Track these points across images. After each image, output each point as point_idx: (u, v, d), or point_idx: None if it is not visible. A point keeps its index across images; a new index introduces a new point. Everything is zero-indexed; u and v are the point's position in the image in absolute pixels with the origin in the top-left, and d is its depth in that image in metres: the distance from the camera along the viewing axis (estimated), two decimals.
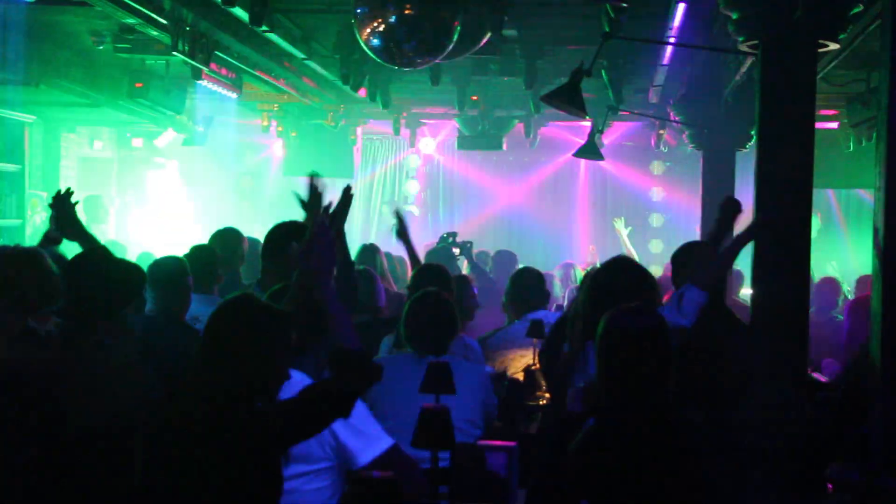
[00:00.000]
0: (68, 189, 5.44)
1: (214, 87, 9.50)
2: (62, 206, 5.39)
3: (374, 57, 6.35)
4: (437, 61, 6.67)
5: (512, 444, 5.00)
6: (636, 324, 3.62)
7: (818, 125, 5.37)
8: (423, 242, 11.14)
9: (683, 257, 5.56)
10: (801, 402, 5.00)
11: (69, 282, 4.27)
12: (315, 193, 4.92)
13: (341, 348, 3.57)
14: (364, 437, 3.84)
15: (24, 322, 4.28)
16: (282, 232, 5.03)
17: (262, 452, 3.24)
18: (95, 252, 4.61)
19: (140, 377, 4.15)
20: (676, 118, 10.20)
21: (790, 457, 4.66)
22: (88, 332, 4.12)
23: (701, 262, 5.34)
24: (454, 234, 10.21)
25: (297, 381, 3.70)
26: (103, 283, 4.23)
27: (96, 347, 4.08)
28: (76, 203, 5.43)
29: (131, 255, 10.51)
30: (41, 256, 4.45)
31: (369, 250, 7.87)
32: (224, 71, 9.28)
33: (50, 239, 5.59)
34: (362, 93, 10.07)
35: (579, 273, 11.68)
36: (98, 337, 4.14)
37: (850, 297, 9.71)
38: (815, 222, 11.85)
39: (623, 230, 12.85)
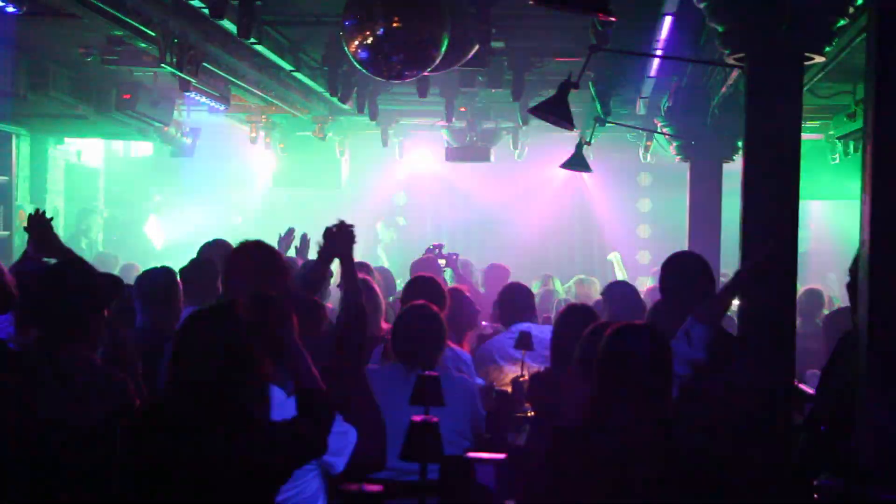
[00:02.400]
0: (43, 212, 5.43)
1: (202, 100, 9.49)
2: (39, 228, 5.35)
3: (361, 69, 6.36)
4: (424, 73, 6.69)
5: (500, 456, 5.01)
6: (637, 343, 3.64)
7: (804, 136, 5.38)
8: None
9: (673, 267, 5.55)
10: (788, 414, 5.01)
11: (41, 294, 4.27)
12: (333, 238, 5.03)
13: (308, 390, 3.55)
14: (337, 453, 3.97)
15: None
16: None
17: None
18: (66, 265, 4.59)
19: (115, 384, 4.14)
20: (664, 130, 10.23)
21: (777, 468, 4.68)
22: (62, 343, 4.12)
23: (691, 273, 5.35)
24: (441, 246, 10.22)
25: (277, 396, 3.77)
26: (72, 294, 4.22)
27: (70, 357, 4.07)
28: (51, 220, 5.41)
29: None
30: None
31: (361, 269, 7.86)
32: (212, 83, 9.27)
33: (29, 259, 5.58)
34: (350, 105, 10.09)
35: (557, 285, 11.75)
36: (72, 347, 4.14)
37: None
38: (806, 237, 11.92)
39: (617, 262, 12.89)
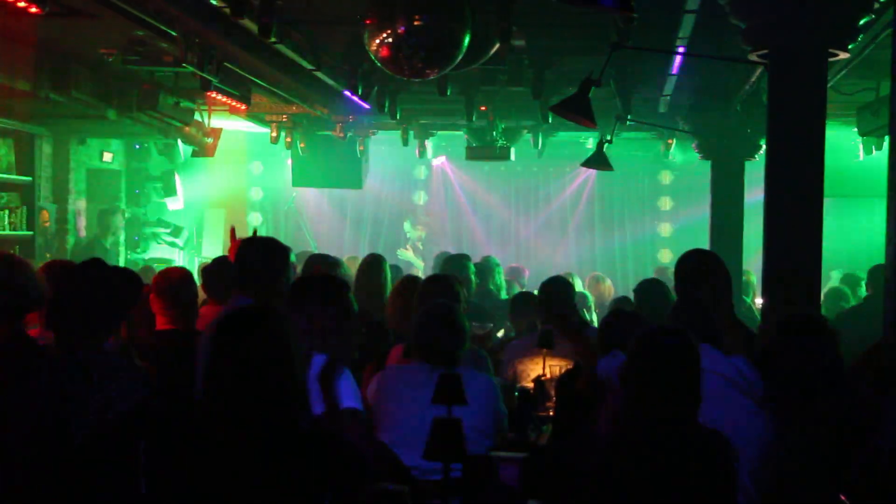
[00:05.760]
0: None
1: (223, 99, 9.51)
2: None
3: (382, 68, 6.35)
4: (445, 72, 6.68)
5: (523, 454, 4.99)
6: (669, 343, 3.63)
7: (827, 133, 5.35)
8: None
9: (687, 266, 5.49)
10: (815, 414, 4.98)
11: (66, 294, 4.27)
12: None
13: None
14: None
15: (11, 327, 4.28)
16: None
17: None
18: (89, 265, 4.59)
19: (136, 379, 4.15)
20: (685, 128, 10.19)
21: (803, 468, 4.64)
22: (83, 340, 4.12)
23: (705, 271, 5.30)
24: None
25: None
26: (97, 295, 4.22)
27: (90, 354, 4.08)
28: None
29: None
30: (27, 263, 4.47)
31: (376, 261, 7.85)
32: (233, 82, 9.29)
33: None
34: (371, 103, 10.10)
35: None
36: (92, 344, 4.15)
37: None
38: (835, 277, 11.91)
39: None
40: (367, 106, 9.65)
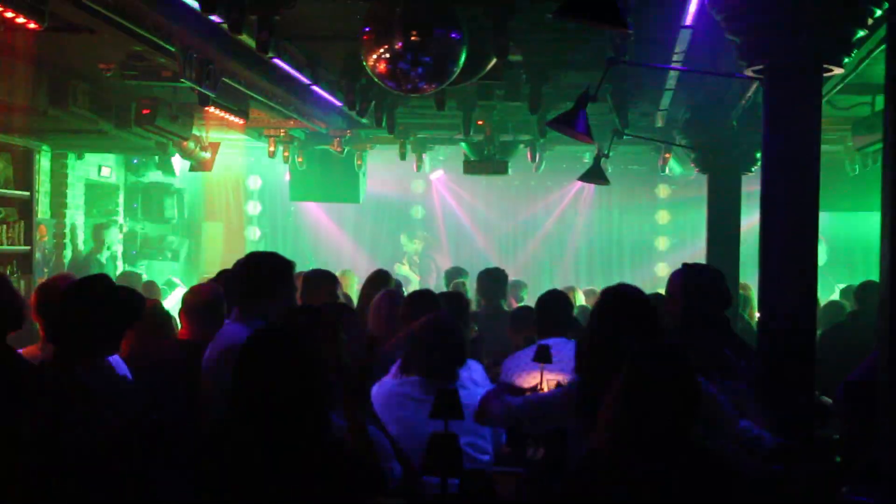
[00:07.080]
0: None
1: (221, 114, 9.53)
2: None
3: (379, 83, 6.38)
4: (442, 87, 6.70)
5: (520, 469, 4.99)
6: (665, 364, 3.62)
7: (823, 148, 5.36)
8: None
9: (684, 280, 5.50)
10: (811, 425, 4.99)
11: (68, 309, 4.28)
12: None
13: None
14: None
15: None
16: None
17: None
18: (93, 280, 4.60)
19: (134, 400, 4.15)
20: (682, 142, 10.21)
21: (801, 480, 4.65)
22: (80, 357, 4.13)
23: (704, 286, 5.30)
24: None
25: None
26: (100, 311, 4.23)
27: (86, 370, 4.08)
28: None
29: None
30: (6, 279, 4.48)
31: (382, 275, 7.88)
32: (231, 97, 9.30)
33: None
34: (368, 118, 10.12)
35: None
36: (93, 362, 4.15)
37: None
38: (823, 250, 11.88)
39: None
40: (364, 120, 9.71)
